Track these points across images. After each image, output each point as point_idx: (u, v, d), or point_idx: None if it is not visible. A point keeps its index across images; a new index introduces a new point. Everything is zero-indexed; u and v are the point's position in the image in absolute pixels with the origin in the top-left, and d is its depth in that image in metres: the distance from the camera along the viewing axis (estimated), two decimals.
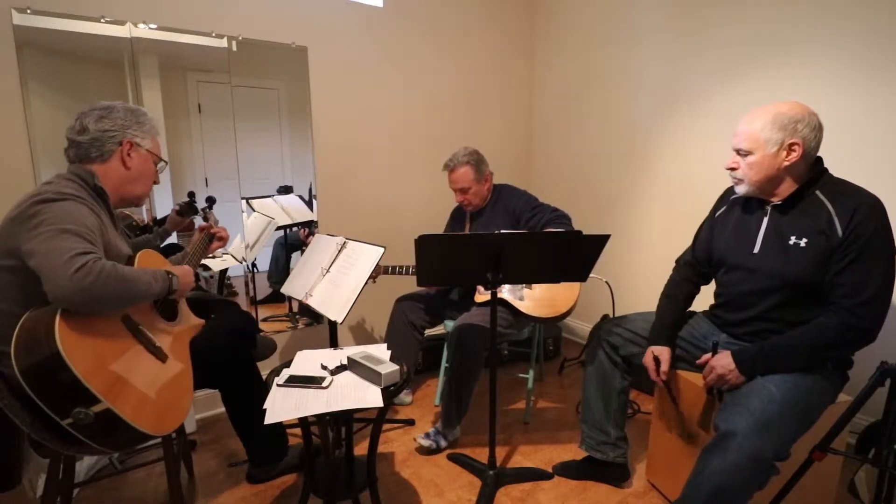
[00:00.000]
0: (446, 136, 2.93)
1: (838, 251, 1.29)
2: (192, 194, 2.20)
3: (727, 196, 1.60)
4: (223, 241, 1.71)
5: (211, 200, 2.25)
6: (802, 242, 1.33)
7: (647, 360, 1.57)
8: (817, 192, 1.35)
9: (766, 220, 1.43)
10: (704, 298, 1.69)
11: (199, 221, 2.02)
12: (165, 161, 1.54)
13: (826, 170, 1.38)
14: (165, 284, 1.31)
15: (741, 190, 1.44)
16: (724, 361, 1.40)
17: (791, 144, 1.32)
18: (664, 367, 1.53)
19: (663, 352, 1.55)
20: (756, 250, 1.43)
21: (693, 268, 1.68)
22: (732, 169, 1.43)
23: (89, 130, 1.34)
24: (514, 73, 3.25)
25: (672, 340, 1.60)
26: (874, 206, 1.29)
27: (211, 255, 1.90)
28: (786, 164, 1.34)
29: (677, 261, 1.75)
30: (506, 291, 2.07)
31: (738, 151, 1.41)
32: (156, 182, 1.51)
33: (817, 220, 1.32)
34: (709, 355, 1.47)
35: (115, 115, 1.38)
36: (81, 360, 1.06)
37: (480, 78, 3.09)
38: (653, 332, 1.62)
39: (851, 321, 1.28)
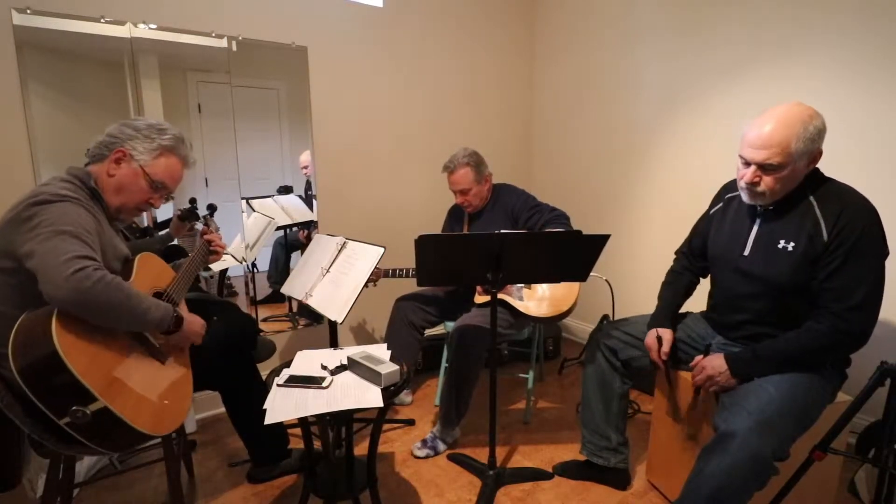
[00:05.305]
0: (446, 136, 2.93)
1: (825, 256, 1.27)
2: (193, 200, 2.19)
3: (722, 194, 1.60)
4: (217, 255, 1.68)
5: (212, 208, 2.24)
6: (790, 246, 1.32)
7: (650, 339, 1.56)
8: (808, 196, 1.33)
9: (758, 222, 1.41)
10: (703, 298, 1.69)
11: (199, 226, 2.02)
12: (164, 185, 1.40)
13: (817, 170, 1.35)
14: (166, 318, 1.25)
15: (760, 202, 1.35)
16: (715, 363, 1.40)
17: (817, 155, 1.29)
18: (665, 347, 1.53)
19: (666, 332, 1.55)
20: (746, 253, 1.42)
21: (690, 259, 1.69)
22: (753, 183, 1.30)
23: (104, 134, 1.37)
24: (514, 73, 3.25)
25: (674, 324, 1.60)
26: (861, 209, 1.26)
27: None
28: (804, 172, 1.30)
29: (676, 252, 1.77)
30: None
31: (761, 166, 1.28)
32: (153, 205, 1.41)
33: (805, 224, 1.30)
34: (701, 356, 1.47)
35: (131, 125, 1.38)
36: (79, 359, 1.06)
37: (480, 78, 3.09)
38: (654, 316, 1.62)
39: (841, 326, 1.27)
